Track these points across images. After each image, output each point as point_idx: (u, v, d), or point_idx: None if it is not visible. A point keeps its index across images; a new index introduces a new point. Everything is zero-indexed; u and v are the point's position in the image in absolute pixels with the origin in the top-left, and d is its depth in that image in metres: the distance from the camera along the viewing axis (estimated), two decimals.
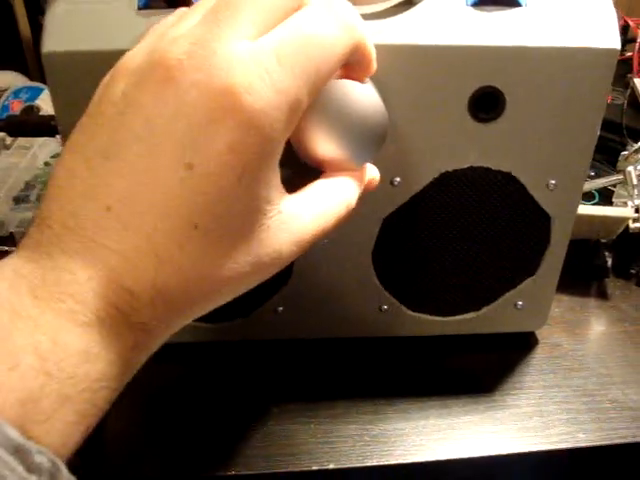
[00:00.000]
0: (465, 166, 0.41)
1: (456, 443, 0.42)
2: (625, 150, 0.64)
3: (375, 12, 0.39)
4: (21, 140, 0.68)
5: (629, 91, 0.70)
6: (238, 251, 0.27)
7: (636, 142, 0.64)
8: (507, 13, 0.38)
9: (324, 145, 0.36)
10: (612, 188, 0.64)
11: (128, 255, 0.25)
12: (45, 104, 0.78)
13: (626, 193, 0.61)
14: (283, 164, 0.30)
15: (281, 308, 0.46)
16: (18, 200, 0.60)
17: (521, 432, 0.43)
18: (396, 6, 0.39)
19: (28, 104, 0.75)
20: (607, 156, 0.67)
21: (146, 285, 0.26)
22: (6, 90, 0.77)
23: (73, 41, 0.36)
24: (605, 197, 0.65)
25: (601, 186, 0.59)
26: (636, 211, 0.53)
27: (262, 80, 0.25)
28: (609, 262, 0.57)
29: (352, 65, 0.32)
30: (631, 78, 0.69)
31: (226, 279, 0.28)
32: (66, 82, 0.37)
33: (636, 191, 0.55)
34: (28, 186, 0.61)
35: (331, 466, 0.40)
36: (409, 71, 0.37)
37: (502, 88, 0.38)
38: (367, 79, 0.36)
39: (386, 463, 0.41)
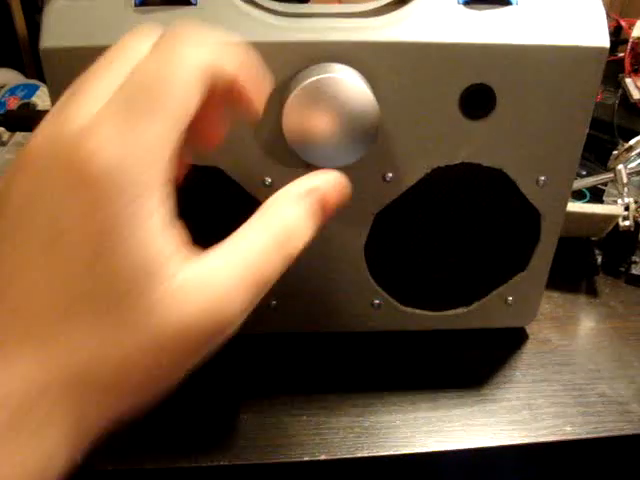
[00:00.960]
0: (456, 162, 0.41)
1: (446, 435, 0.43)
2: (616, 149, 0.65)
3: (368, 10, 0.40)
4: (18, 136, 0.68)
5: (621, 91, 0.71)
6: (132, 328, 0.24)
7: (627, 141, 0.65)
8: (498, 11, 0.39)
9: (314, 141, 0.37)
10: (603, 187, 0.65)
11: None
12: (41, 101, 0.78)
13: (617, 192, 0.61)
14: None
15: (274, 302, 0.47)
16: None
17: (510, 425, 0.43)
18: (388, 4, 0.40)
19: (24, 101, 0.76)
20: (598, 155, 0.68)
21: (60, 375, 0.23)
22: (2, 87, 0.77)
23: (71, 37, 0.37)
24: (596, 196, 0.66)
25: (592, 184, 0.60)
26: (626, 209, 0.54)
27: (109, 142, 0.23)
28: (599, 260, 0.58)
29: (231, 94, 0.28)
30: (623, 78, 0.70)
31: (137, 361, 0.24)
32: (64, 78, 0.37)
33: (626, 189, 0.56)
34: None
35: (322, 457, 0.41)
36: (401, 68, 0.38)
37: (493, 85, 0.39)
38: (359, 75, 0.37)
39: (377, 454, 0.41)
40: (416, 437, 0.42)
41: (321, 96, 0.35)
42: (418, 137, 0.40)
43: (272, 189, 0.41)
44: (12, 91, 0.75)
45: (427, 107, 0.39)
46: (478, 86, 0.39)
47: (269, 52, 0.37)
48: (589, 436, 0.43)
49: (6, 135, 0.72)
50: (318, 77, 0.35)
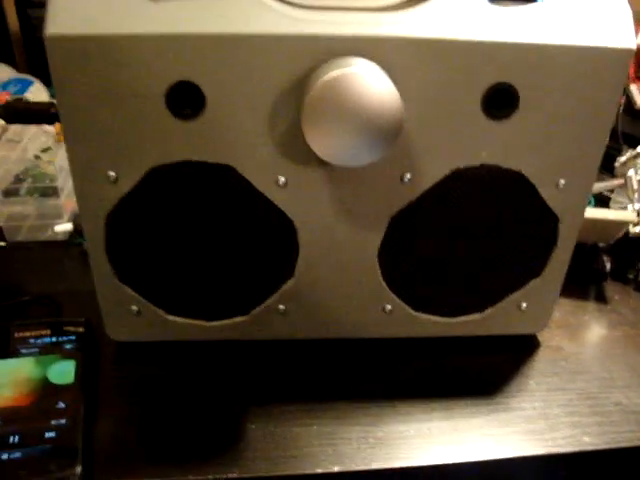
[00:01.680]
0: (476, 163, 0.40)
1: (461, 446, 0.41)
2: (621, 156, 0.64)
3: (392, 4, 0.38)
4: (11, 133, 0.66)
5: (624, 98, 0.70)
6: None
7: (631, 148, 0.65)
8: (524, 9, 0.37)
9: (337, 138, 0.36)
10: (607, 194, 0.64)
11: None
12: (34, 96, 0.76)
13: (622, 198, 0.61)
14: None
15: (282, 307, 0.45)
16: (8, 193, 0.58)
17: (527, 435, 0.42)
18: None
19: (17, 96, 0.73)
20: (603, 162, 0.67)
21: None
22: None
23: (77, 24, 0.35)
24: (601, 202, 0.65)
25: (601, 190, 0.59)
26: (638, 215, 0.53)
27: None
28: (607, 266, 0.57)
29: None
30: (627, 85, 0.70)
31: None
32: (69, 67, 0.36)
33: (637, 195, 0.55)
34: (18, 179, 0.59)
35: (336, 469, 0.39)
36: (423, 65, 0.37)
37: (516, 85, 0.38)
38: (382, 70, 0.36)
39: (392, 466, 0.40)
40: (431, 448, 0.41)
41: (344, 91, 0.34)
42: (438, 136, 0.39)
43: (285, 188, 0.40)
44: (4, 86, 0.73)
45: (449, 106, 0.38)
46: (501, 85, 0.38)
47: (289, 45, 0.36)
48: (607, 447, 0.41)
49: None
50: (341, 71, 0.34)
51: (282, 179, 0.40)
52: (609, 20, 0.38)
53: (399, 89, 0.36)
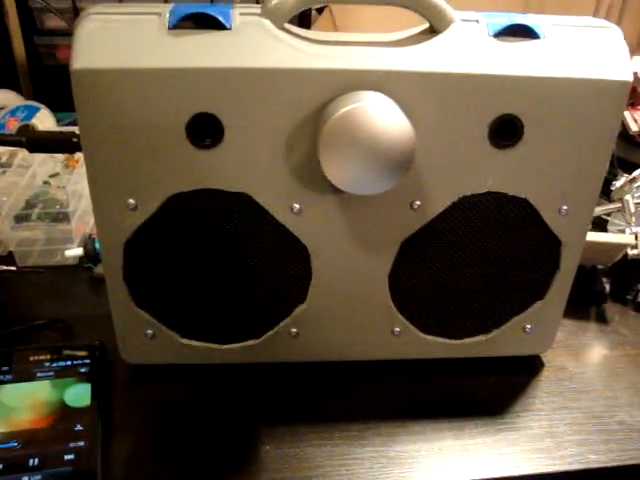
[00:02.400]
0: (483, 191, 0.42)
1: (471, 465, 0.42)
2: (616, 180, 0.66)
3: (400, 39, 0.40)
4: (19, 159, 0.67)
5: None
6: None
7: (626, 172, 0.67)
8: (527, 44, 0.39)
9: (352, 168, 0.37)
10: (605, 217, 0.66)
11: None
12: (40, 123, 0.77)
13: (620, 221, 0.63)
14: None
15: (295, 330, 0.46)
16: (19, 219, 0.59)
17: (535, 454, 0.43)
18: (420, 34, 0.40)
19: (24, 123, 0.75)
20: None
21: None
22: (2, 109, 0.76)
23: (102, 59, 0.37)
24: (598, 226, 0.67)
25: (600, 214, 0.61)
26: (635, 238, 0.55)
27: None
28: (607, 288, 0.58)
29: None
30: None
31: None
32: (93, 99, 0.37)
33: (634, 218, 0.57)
34: (29, 205, 0.60)
35: None
36: (432, 97, 0.39)
37: (521, 116, 0.40)
38: (395, 103, 0.37)
39: None
40: (442, 467, 0.42)
41: (359, 124, 0.36)
42: (447, 165, 0.41)
43: (300, 215, 0.42)
44: (12, 112, 0.74)
45: (457, 136, 0.40)
46: (507, 116, 0.40)
47: (305, 78, 0.37)
48: (613, 464, 0.43)
49: (5, 156, 0.70)
50: (356, 105, 0.36)
51: (297, 206, 0.41)
52: (607, 55, 0.40)
53: (410, 120, 0.37)
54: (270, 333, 0.46)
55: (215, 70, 0.37)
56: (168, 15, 0.37)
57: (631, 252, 0.55)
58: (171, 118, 0.38)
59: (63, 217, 0.60)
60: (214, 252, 0.42)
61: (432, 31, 0.40)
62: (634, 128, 0.71)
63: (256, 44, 0.37)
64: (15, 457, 0.39)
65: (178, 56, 0.37)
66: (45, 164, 0.68)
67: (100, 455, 0.40)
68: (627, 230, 0.56)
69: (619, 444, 0.44)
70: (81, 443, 0.40)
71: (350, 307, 0.46)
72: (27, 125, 0.74)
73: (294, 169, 0.40)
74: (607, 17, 1.07)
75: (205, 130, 0.38)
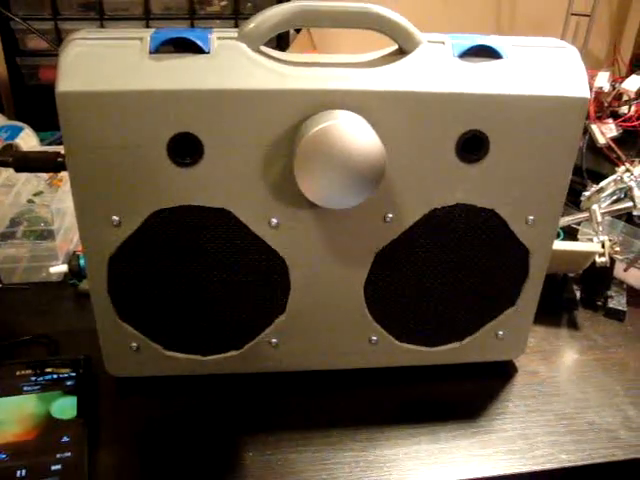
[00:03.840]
0: (452, 203, 0.44)
1: (448, 467, 0.44)
2: (585, 191, 0.69)
3: (369, 60, 0.42)
4: (3, 178, 0.68)
5: (587, 136, 0.75)
6: None
7: (595, 183, 0.69)
8: (490, 64, 0.42)
9: (326, 183, 0.39)
10: (576, 226, 0.69)
11: None
12: (24, 142, 0.78)
13: (589, 230, 0.65)
14: None
15: (275, 340, 0.48)
16: (4, 237, 0.60)
17: (508, 454, 0.45)
18: (390, 55, 0.42)
19: (7, 142, 0.76)
20: (570, 197, 0.72)
21: None
22: None
23: (87, 82, 0.38)
24: (569, 235, 0.70)
25: (568, 224, 0.63)
26: (602, 246, 0.57)
27: None
28: (578, 295, 0.61)
29: None
30: (588, 124, 0.75)
31: None
32: (78, 120, 0.39)
33: (600, 228, 0.59)
34: (14, 223, 0.61)
35: None
36: (401, 115, 0.41)
37: (486, 132, 0.42)
38: (365, 122, 0.39)
39: None
40: (420, 469, 0.43)
41: (332, 141, 0.37)
42: (417, 180, 0.43)
43: (277, 229, 0.43)
44: None
45: (426, 151, 0.42)
46: (473, 132, 0.42)
47: (279, 99, 0.39)
48: (583, 463, 0.44)
49: None
50: (329, 123, 0.37)
51: (274, 220, 0.43)
52: (565, 73, 0.42)
53: (381, 137, 0.39)
54: (251, 344, 0.48)
55: (194, 92, 0.38)
56: (149, 40, 0.39)
57: (599, 260, 0.57)
58: (152, 138, 0.39)
59: (48, 234, 0.61)
60: (196, 266, 0.44)
61: (401, 52, 0.42)
62: (602, 141, 0.74)
63: (233, 67, 0.39)
64: (3, 469, 0.40)
65: (159, 79, 0.38)
66: (29, 183, 0.69)
67: (87, 466, 0.41)
68: (595, 239, 0.59)
69: (590, 444, 0.46)
70: (68, 454, 0.41)
71: (328, 317, 0.47)
72: (10, 145, 0.75)
73: (272, 185, 0.42)
74: (575, 36, 1.10)
75: (185, 149, 0.40)
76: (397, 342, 0.49)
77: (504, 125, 0.42)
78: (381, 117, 0.40)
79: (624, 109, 0.76)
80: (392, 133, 0.41)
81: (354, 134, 0.38)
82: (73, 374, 0.48)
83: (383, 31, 0.41)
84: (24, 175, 0.69)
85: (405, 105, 0.40)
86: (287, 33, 0.99)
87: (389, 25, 0.41)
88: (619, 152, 0.74)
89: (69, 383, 0.47)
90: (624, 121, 0.75)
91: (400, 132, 0.41)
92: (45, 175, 0.71)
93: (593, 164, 0.75)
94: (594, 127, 0.74)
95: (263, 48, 0.41)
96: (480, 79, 0.41)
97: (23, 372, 0.48)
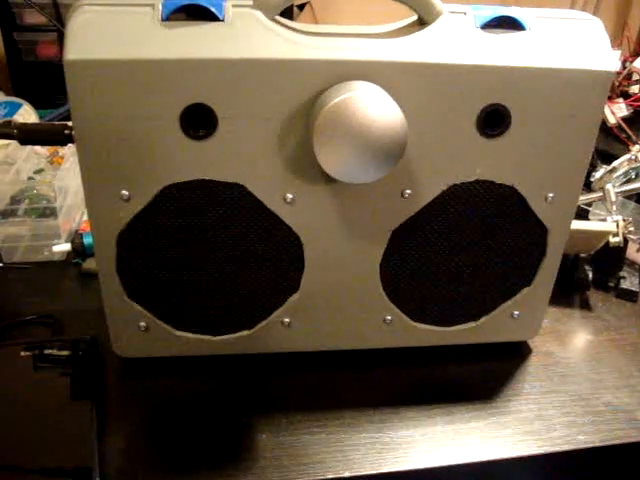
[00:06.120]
0: (472, 179, 0.43)
1: (464, 448, 0.43)
2: (596, 171, 0.68)
3: (389, 31, 0.41)
4: (3, 155, 0.66)
5: None
6: None
7: (605, 163, 0.69)
8: (513, 36, 0.40)
9: (346, 157, 0.38)
10: (586, 207, 0.68)
11: None
12: (23, 119, 0.76)
13: (600, 211, 0.64)
14: None
15: (287, 320, 0.47)
16: (5, 214, 0.59)
17: (525, 436, 0.44)
18: (410, 25, 0.41)
19: (6, 119, 0.74)
20: None
21: None
22: None
23: (96, 50, 0.37)
24: (580, 216, 0.69)
25: (582, 203, 0.62)
26: (617, 226, 0.56)
27: None
28: (590, 275, 0.60)
29: None
30: None
31: None
32: (86, 90, 0.37)
33: (614, 207, 0.59)
34: (14, 200, 0.60)
35: (346, 474, 0.41)
36: (422, 88, 0.39)
37: (508, 105, 0.41)
38: (386, 93, 0.38)
39: (400, 469, 0.41)
40: (436, 451, 0.43)
41: (353, 113, 0.36)
42: (437, 154, 0.42)
43: (292, 205, 0.42)
44: None
45: (446, 125, 0.41)
46: (494, 106, 0.41)
47: (298, 69, 0.38)
48: (601, 444, 0.44)
49: None
50: (349, 94, 0.36)
51: (290, 196, 0.42)
52: (590, 46, 0.41)
53: (401, 110, 0.38)
54: (263, 323, 0.47)
55: (209, 61, 0.37)
56: (161, 7, 0.38)
57: (612, 240, 0.56)
58: (165, 109, 0.38)
59: (50, 213, 0.59)
60: (207, 243, 0.43)
61: (421, 23, 0.41)
62: (612, 120, 0.73)
63: (249, 35, 0.38)
64: None
65: (172, 47, 0.37)
66: (29, 160, 0.67)
67: (96, 448, 0.40)
68: (608, 218, 0.58)
69: (606, 425, 0.45)
70: (76, 437, 0.40)
71: (342, 296, 0.46)
72: (9, 121, 0.73)
73: (287, 159, 0.40)
74: (583, 11, 1.09)
75: (199, 121, 0.38)
76: (412, 322, 0.48)
77: (526, 99, 0.41)
78: (401, 89, 0.39)
79: (635, 88, 0.75)
80: (412, 106, 0.39)
81: (375, 106, 0.36)
82: (80, 354, 0.47)
83: (403, 0, 0.40)
84: (24, 152, 0.67)
85: (426, 77, 0.39)
86: (291, 11, 0.97)
87: None
88: (629, 132, 0.73)
89: (76, 364, 0.46)
90: (635, 101, 0.74)
91: (420, 105, 0.40)
92: (45, 152, 0.69)
93: (603, 144, 0.74)
94: (605, 108, 0.73)
95: (278, 18, 0.40)
96: (502, 51, 0.40)
97: (28, 353, 0.47)
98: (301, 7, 1.04)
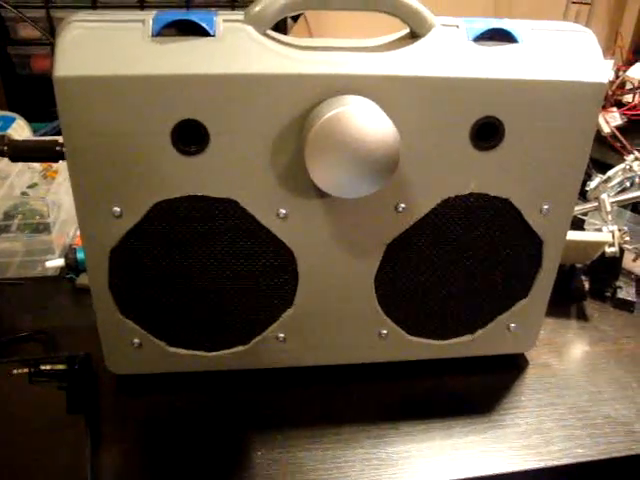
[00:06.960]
0: (466, 192, 0.43)
1: (462, 463, 0.43)
2: (591, 181, 0.68)
3: (381, 44, 0.41)
4: None
5: None
6: None
7: (600, 173, 0.69)
8: (506, 48, 0.40)
9: (339, 171, 0.37)
10: (582, 217, 0.68)
11: None
12: (16, 133, 0.76)
13: (596, 221, 0.64)
14: None
15: (282, 335, 0.46)
16: None
17: (523, 450, 0.44)
18: (402, 39, 0.41)
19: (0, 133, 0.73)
20: None
21: None
22: None
23: (86, 66, 0.36)
24: (575, 225, 0.68)
25: (577, 213, 0.62)
26: (612, 236, 0.56)
27: None
28: (586, 286, 0.60)
29: None
30: None
31: None
32: (77, 106, 0.37)
33: (610, 217, 0.58)
34: (7, 216, 0.60)
35: None
36: (414, 101, 0.39)
37: (502, 118, 0.40)
38: (379, 107, 0.38)
39: None
40: (433, 466, 0.42)
41: (345, 128, 0.36)
42: (431, 168, 0.41)
43: (285, 220, 0.42)
44: None
45: (440, 138, 0.40)
46: (488, 119, 0.40)
47: (289, 84, 0.38)
48: (600, 457, 0.43)
49: None
50: (341, 109, 0.36)
51: (283, 211, 0.41)
52: (582, 58, 0.41)
53: (393, 124, 0.38)
54: (258, 339, 0.46)
55: (200, 77, 0.37)
56: (151, 22, 0.37)
57: (609, 250, 0.56)
58: (156, 125, 0.38)
59: (44, 228, 0.59)
60: (200, 259, 0.42)
61: (413, 36, 0.40)
62: (606, 129, 0.73)
63: (240, 50, 0.37)
64: None
65: (162, 63, 0.37)
66: (23, 175, 0.67)
67: (90, 466, 0.40)
68: (604, 228, 0.58)
69: (605, 437, 0.45)
70: (70, 454, 0.40)
71: (337, 310, 0.46)
72: (2, 136, 0.73)
73: (280, 174, 0.40)
74: (575, 22, 1.09)
75: (190, 137, 0.38)
76: (408, 335, 0.48)
77: (519, 111, 0.40)
78: (393, 103, 0.39)
79: (628, 97, 0.75)
80: (404, 119, 0.39)
81: (367, 120, 0.36)
82: (73, 372, 0.46)
83: (395, 14, 0.39)
84: (17, 167, 0.66)
85: (418, 90, 0.39)
86: (285, 23, 0.97)
87: (402, 7, 0.39)
88: (624, 141, 0.73)
89: (68, 381, 0.45)
90: (629, 109, 0.74)
91: (413, 118, 0.40)
92: (39, 167, 0.69)
93: (599, 154, 0.74)
94: (599, 117, 0.73)
95: (270, 32, 0.39)
96: (495, 64, 0.40)
97: (21, 371, 0.46)
98: (295, 18, 1.04)
